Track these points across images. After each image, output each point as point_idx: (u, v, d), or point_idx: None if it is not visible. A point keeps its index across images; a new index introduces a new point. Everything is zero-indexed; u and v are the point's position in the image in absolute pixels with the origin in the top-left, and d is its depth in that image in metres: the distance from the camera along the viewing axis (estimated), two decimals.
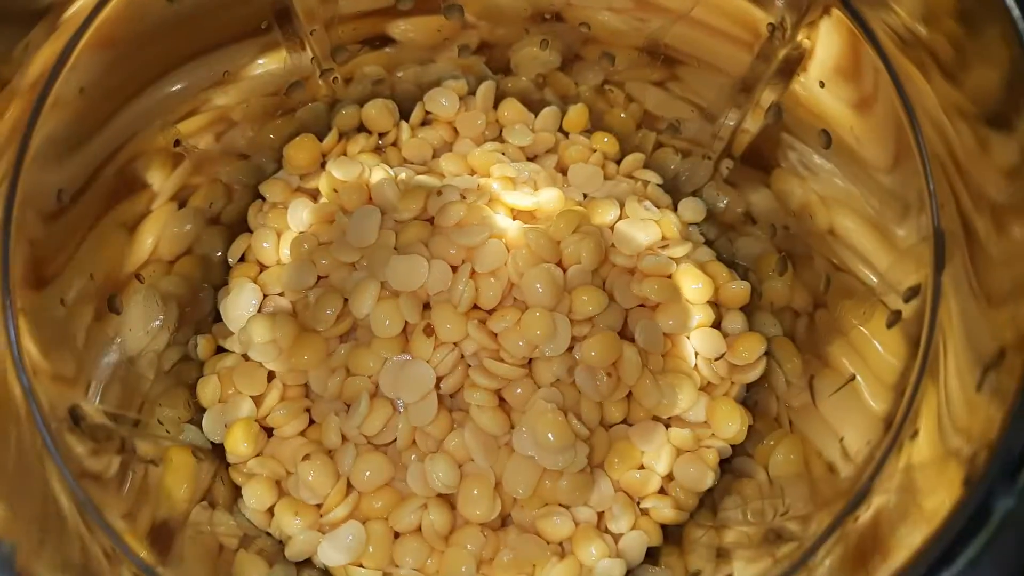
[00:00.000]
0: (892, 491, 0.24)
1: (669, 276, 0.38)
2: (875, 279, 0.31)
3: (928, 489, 0.22)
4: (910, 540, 0.20)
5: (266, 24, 0.35)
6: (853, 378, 0.31)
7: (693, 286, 0.38)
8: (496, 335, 0.35)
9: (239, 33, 0.35)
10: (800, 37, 0.31)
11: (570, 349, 0.36)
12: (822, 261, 0.35)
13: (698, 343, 0.38)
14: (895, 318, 0.28)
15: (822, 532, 0.27)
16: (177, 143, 0.35)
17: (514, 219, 0.39)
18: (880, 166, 0.29)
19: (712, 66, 0.37)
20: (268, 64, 0.37)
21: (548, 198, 0.40)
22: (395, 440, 0.35)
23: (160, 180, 0.35)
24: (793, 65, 0.33)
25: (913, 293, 0.27)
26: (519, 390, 0.36)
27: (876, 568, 0.21)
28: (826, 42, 0.30)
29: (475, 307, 0.36)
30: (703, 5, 0.35)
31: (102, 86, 0.30)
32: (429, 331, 0.35)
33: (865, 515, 0.25)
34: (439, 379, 0.35)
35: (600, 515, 0.36)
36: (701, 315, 0.38)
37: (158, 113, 0.33)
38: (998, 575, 0.18)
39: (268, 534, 0.36)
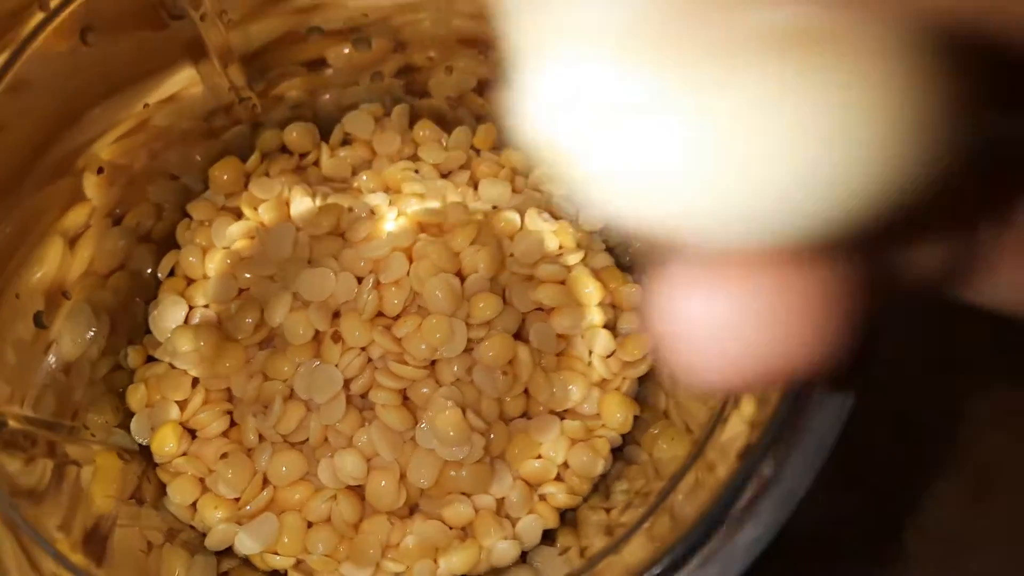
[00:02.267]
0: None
1: (563, 282, 0.42)
2: None
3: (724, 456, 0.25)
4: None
5: (180, 59, 0.39)
6: None
7: (586, 290, 0.42)
8: (400, 340, 0.39)
9: (155, 68, 0.38)
10: None
11: (470, 351, 0.39)
12: None
13: (591, 342, 0.42)
14: None
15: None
16: (101, 171, 0.38)
17: (421, 232, 0.43)
18: None
19: None
20: (187, 95, 0.40)
21: (453, 211, 0.43)
22: (308, 439, 0.38)
23: (88, 204, 0.38)
24: None
25: None
26: (424, 389, 0.39)
27: None
28: None
29: (381, 315, 0.39)
30: None
31: (17, 127, 0.33)
32: (336, 337, 0.38)
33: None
34: (348, 381, 0.39)
35: (500, 502, 0.39)
36: (595, 316, 0.42)
37: (80, 146, 0.36)
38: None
39: (192, 527, 0.39)
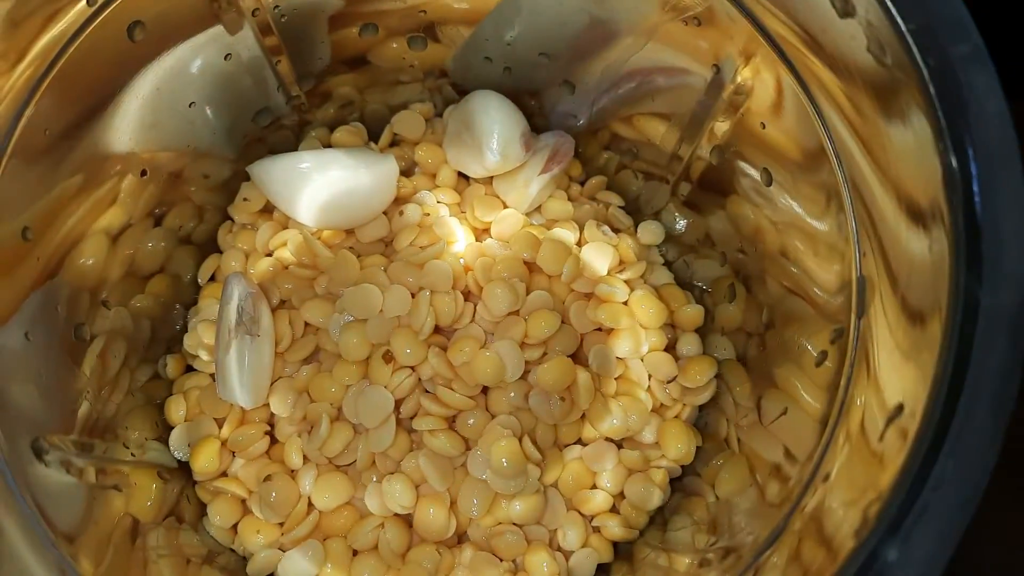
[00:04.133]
0: (796, 532, 0.25)
1: (624, 302, 0.39)
2: (814, 311, 0.32)
3: (828, 533, 0.23)
4: None
5: (228, 55, 0.36)
6: (785, 412, 0.32)
7: (647, 311, 0.40)
8: (454, 367, 0.37)
9: (204, 65, 0.36)
10: (743, 79, 0.32)
11: (525, 375, 0.37)
12: (774, 284, 0.36)
13: (651, 366, 0.39)
14: (822, 358, 0.29)
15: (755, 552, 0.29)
16: (144, 173, 0.36)
17: (476, 239, 0.41)
18: (812, 210, 0.30)
19: (666, 97, 0.38)
20: (234, 93, 0.38)
21: (508, 217, 0.41)
22: (355, 461, 0.37)
23: (130, 204, 0.37)
24: (738, 104, 0.34)
25: (838, 335, 0.28)
26: (471, 421, 0.37)
27: None
28: (766, 87, 0.31)
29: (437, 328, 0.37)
30: (656, 41, 0.36)
31: (65, 125, 0.31)
32: (388, 358, 0.36)
33: (774, 559, 0.26)
34: (398, 402, 0.37)
35: (552, 532, 0.37)
36: (655, 339, 0.40)
37: (124, 145, 0.34)
38: None
39: (232, 550, 0.37)
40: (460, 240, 0.40)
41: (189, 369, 0.40)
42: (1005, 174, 0.22)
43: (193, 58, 0.35)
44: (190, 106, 0.37)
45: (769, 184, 0.34)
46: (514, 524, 0.37)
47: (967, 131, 0.22)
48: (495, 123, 0.40)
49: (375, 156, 0.40)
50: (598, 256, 0.40)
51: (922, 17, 0.23)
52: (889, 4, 0.23)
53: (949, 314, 0.21)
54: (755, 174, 0.35)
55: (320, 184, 0.37)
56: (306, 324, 0.39)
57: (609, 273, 0.40)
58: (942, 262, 0.22)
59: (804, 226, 0.32)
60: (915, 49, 0.23)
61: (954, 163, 0.22)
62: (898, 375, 0.24)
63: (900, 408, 0.22)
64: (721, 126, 0.36)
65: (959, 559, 0.20)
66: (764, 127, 0.33)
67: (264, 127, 0.41)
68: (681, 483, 0.39)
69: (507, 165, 0.41)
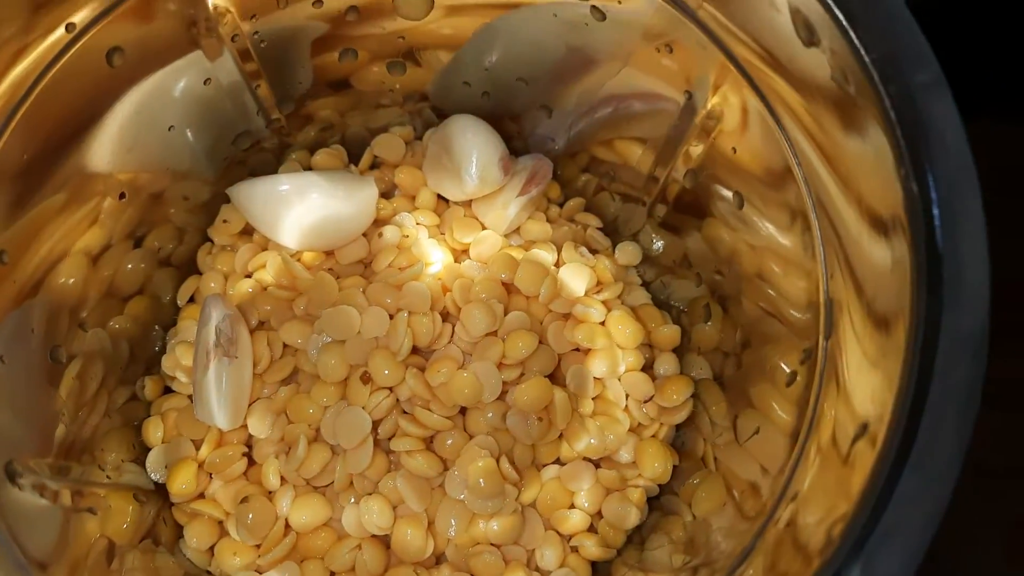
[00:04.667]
0: (769, 546, 0.25)
1: (602, 323, 0.40)
2: (787, 331, 0.33)
3: (801, 547, 0.23)
4: None
5: (208, 79, 0.37)
6: (757, 431, 0.33)
7: (624, 331, 0.40)
8: (432, 388, 0.37)
9: (183, 89, 0.36)
10: (714, 104, 0.33)
11: (503, 395, 0.38)
12: (750, 304, 0.37)
13: (628, 386, 0.40)
14: (792, 378, 0.30)
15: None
16: (123, 196, 0.36)
17: (455, 260, 0.41)
18: (782, 231, 0.31)
19: (642, 122, 0.39)
20: (213, 116, 0.39)
21: (487, 238, 0.41)
22: (333, 482, 0.37)
23: (109, 225, 0.37)
24: (710, 128, 0.34)
25: (808, 355, 0.29)
26: (449, 441, 0.37)
27: None
28: (735, 112, 0.32)
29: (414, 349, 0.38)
30: (631, 67, 0.37)
31: (44, 148, 0.31)
32: (366, 379, 0.37)
33: (749, 572, 0.26)
34: (375, 423, 0.37)
35: (530, 552, 0.37)
36: (632, 359, 0.40)
37: (103, 167, 0.35)
38: None
39: (209, 573, 0.37)
40: (438, 261, 0.41)
41: (167, 390, 0.40)
42: (964, 200, 0.22)
43: (173, 83, 0.36)
44: (169, 129, 0.37)
45: (741, 207, 0.34)
46: (492, 544, 0.37)
47: (927, 158, 0.23)
48: (474, 147, 0.41)
49: (355, 179, 0.40)
50: (575, 277, 0.40)
51: (884, 47, 0.24)
52: (852, 35, 0.24)
53: (913, 333, 0.22)
54: (729, 196, 0.35)
55: (300, 207, 0.38)
56: (284, 345, 0.39)
57: (586, 294, 0.41)
58: (904, 274, 0.23)
59: (775, 247, 0.32)
60: (876, 78, 0.23)
61: (915, 189, 0.23)
62: (867, 385, 0.24)
63: (866, 425, 0.23)
64: (695, 150, 0.36)
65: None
66: (735, 151, 0.33)
67: (244, 149, 0.42)
68: (659, 502, 0.39)
69: (486, 188, 0.41)
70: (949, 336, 0.21)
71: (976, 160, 0.23)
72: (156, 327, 0.41)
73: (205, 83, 0.37)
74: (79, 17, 0.30)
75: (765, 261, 0.34)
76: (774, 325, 0.34)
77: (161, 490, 0.38)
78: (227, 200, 0.42)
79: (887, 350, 0.23)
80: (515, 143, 0.45)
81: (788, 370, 0.31)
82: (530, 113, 0.43)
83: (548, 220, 0.45)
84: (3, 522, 0.27)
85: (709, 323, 0.40)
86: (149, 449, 0.38)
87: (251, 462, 0.38)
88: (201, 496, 0.37)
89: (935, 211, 0.22)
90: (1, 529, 0.26)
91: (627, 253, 0.44)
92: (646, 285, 0.44)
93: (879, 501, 0.21)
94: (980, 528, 0.46)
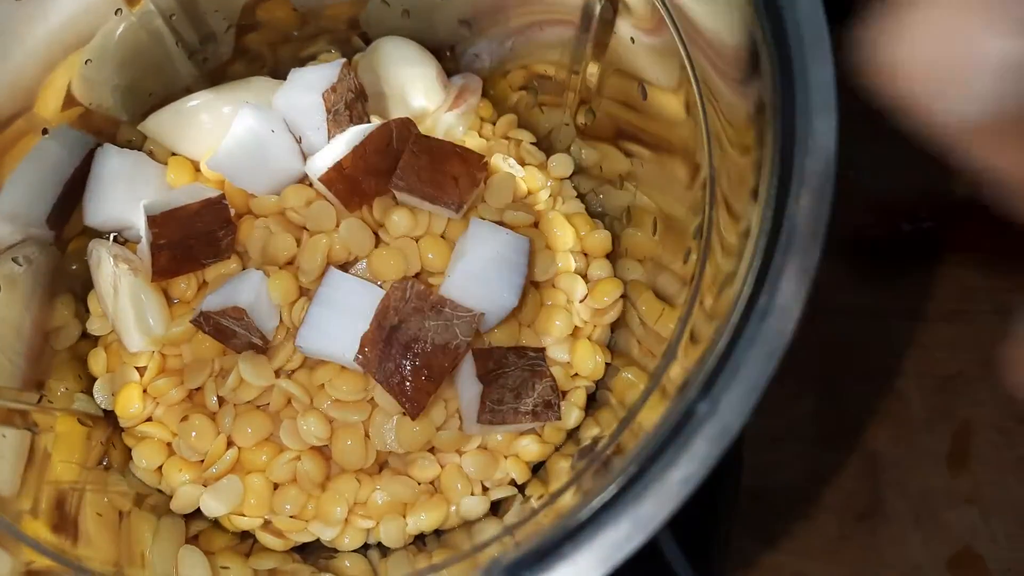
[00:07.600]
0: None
1: (535, 225, 0.41)
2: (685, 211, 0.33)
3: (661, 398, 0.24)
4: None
5: (118, 10, 0.37)
6: (661, 314, 0.33)
7: (558, 234, 0.41)
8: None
9: (94, 20, 0.37)
10: None
11: None
12: (660, 196, 0.37)
13: (563, 286, 0.41)
14: (687, 255, 0.31)
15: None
16: (45, 132, 0.37)
17: None
18: (678, 120, 0.32)
19: (552, 29, 0.39)
20: (129, 51, 0.39)
21: None
22: (269, 403, 0.38)
23: None
24: (609, 24, 0.35)
25: (698, 232, 0.29)
26: None
27: None
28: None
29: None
30: None
31: None
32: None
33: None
34: None
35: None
36: (569, 262, 0.41)
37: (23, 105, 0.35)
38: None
39: (159, 491, 0.38)
40: None
41: None
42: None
43: (82, 14, 0.36)
44: (86, 63, 0.38)
45: (645, 98, 0.35)
46: (430, 451, 0.38)
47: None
48: (412, 67, 0.42)
49: (273, 84, 0.40)
50: (501, 187, 0.41)
51: None
52: None
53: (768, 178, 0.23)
54: (634, 88, 0.35)
55: (213, 125, 0.38)
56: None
57: (515, 201, 0.41)
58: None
59: (670, 135, 0.33)
60: None
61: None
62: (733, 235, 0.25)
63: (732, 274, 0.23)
64: (600, 46, 0.36)
65: None
66: (633, 41, 0.34)
67: (169, 86, 0.42)
68: (594, 398, 0.40)
69: (431, 107, 0.42)
70: (798, 177, 0.22)
71: None
72: None
73: (116, 13, 0.37)
74: None
75: (665, 148, 0.35)
76: (678, 208, 0.34)
77: (111, 418, 0.39)
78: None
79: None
80: (445, 64, 0.45)
81: (685, 247, 0.31)
82: (451, 30, 0.43)
83: (482, 137, 0.45)
84: None
85: (631, 227, 0.40)
86: (95, 380, 0.40)
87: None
88: (149, 420, 0.39)
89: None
90: None
91: (560, 165, 0.45)
92: (581, 197, 0.45)
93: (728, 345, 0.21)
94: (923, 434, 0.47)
